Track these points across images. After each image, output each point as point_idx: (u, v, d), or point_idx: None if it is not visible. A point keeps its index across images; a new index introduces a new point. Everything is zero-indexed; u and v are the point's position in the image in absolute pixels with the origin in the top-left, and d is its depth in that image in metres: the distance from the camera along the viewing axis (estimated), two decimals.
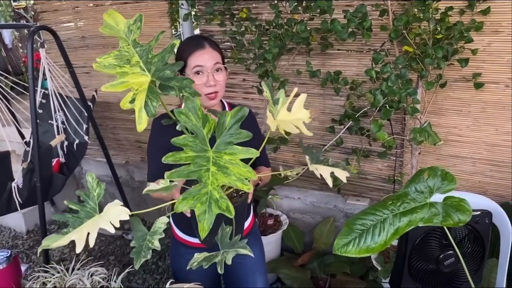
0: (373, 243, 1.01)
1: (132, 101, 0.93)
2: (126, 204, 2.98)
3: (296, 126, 1.06)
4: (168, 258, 2.79)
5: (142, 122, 0.92)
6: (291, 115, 1.07)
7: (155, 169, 1.48)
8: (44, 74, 2.48)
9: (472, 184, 2.21)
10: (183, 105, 1.56)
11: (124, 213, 0.91)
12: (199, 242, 1.42)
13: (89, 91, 2.81)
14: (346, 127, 2.20)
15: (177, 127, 1.15)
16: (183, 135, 0.95)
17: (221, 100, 1.59)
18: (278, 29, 2.18)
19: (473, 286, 0.87)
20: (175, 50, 1.44)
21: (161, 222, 0.98)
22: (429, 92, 2.03)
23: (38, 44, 2.45)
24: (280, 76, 2.23)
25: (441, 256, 1.53)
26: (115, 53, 0.99)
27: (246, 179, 0.93)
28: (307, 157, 1.16)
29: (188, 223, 1.33)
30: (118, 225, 0.88)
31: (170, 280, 1.22)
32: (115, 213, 0.91)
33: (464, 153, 2.19)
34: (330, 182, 1.07)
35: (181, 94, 0.98)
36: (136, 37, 1.01)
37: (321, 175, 1.09)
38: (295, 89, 1.08)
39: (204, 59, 1.43)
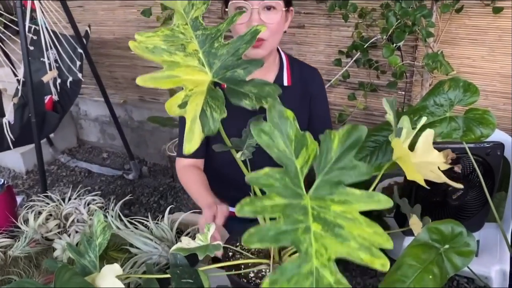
0: (385, 160, 0.93)
1: (184, 104, 0.63)
2: (126, 145, 2.92)
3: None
4: (170, 197, 2.78)
5: (194, 139, 0.61)
6: (416, 156, 0.72)
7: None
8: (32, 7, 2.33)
9: None
10: None
11: None
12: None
13: (82, 26, 2.66)
14: (353, 59, 2.09)
15: (238, 156, 0.77)
16: (265, 169, 0.55)
17: (278, 50, 1.23)
18: None
19: (497, 216, 0.80)
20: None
21: None
22: (443, 19, 1.90)
23: None
24: None
25: (449, 189, 1.48)
26: (166, 32, 0.70)
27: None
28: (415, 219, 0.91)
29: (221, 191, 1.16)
30: None
31: (170, 206, 1.17)
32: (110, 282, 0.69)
33: (476, 85, 2.09)
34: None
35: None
36: (199, 14, 0.73)
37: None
38: (423, 119, 0.73)
39: None
